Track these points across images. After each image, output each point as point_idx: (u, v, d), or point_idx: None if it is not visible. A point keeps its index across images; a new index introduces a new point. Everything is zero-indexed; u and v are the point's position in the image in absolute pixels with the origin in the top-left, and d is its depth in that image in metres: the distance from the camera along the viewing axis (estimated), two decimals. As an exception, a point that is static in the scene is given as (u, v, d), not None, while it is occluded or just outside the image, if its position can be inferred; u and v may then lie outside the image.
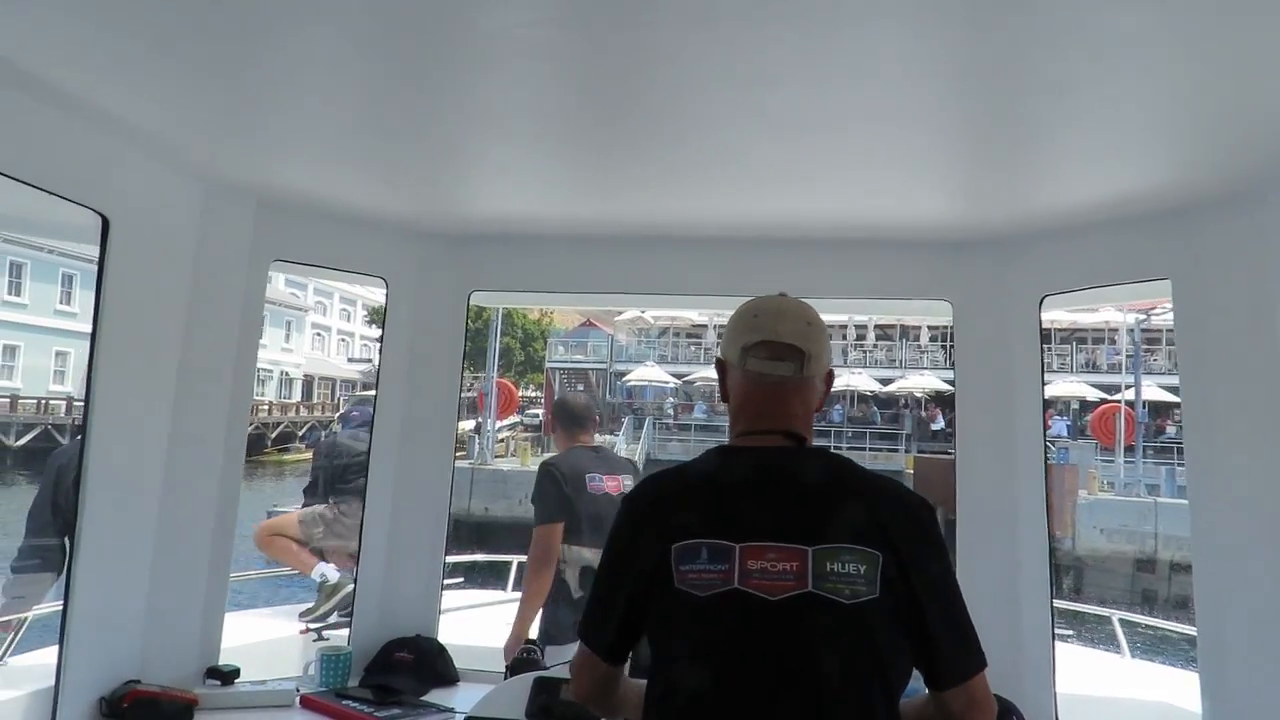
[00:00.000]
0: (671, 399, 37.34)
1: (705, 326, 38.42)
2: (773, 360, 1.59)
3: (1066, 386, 30.75)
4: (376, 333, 48.54)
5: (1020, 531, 2.80)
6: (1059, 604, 2.82)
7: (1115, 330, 33.06)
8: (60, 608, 3.17)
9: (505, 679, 2.83)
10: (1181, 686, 3.42)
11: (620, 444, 25.99)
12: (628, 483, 3.75)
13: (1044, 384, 2.91)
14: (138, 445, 2.58)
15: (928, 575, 1.46)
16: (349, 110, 2.13)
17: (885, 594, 1.41)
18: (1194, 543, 2.42)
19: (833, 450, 1.72)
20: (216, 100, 2.09)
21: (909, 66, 1.72)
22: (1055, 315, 27.02)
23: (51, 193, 2.23)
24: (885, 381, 34.74)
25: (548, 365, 39.71)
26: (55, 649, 3.21)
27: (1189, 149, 2.12)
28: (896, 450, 29.39)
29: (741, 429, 1.63)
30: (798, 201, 2.67)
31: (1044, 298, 2.83)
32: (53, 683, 2.77)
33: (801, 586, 1.40)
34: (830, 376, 1.69)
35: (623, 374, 37.66)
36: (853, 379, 33.34)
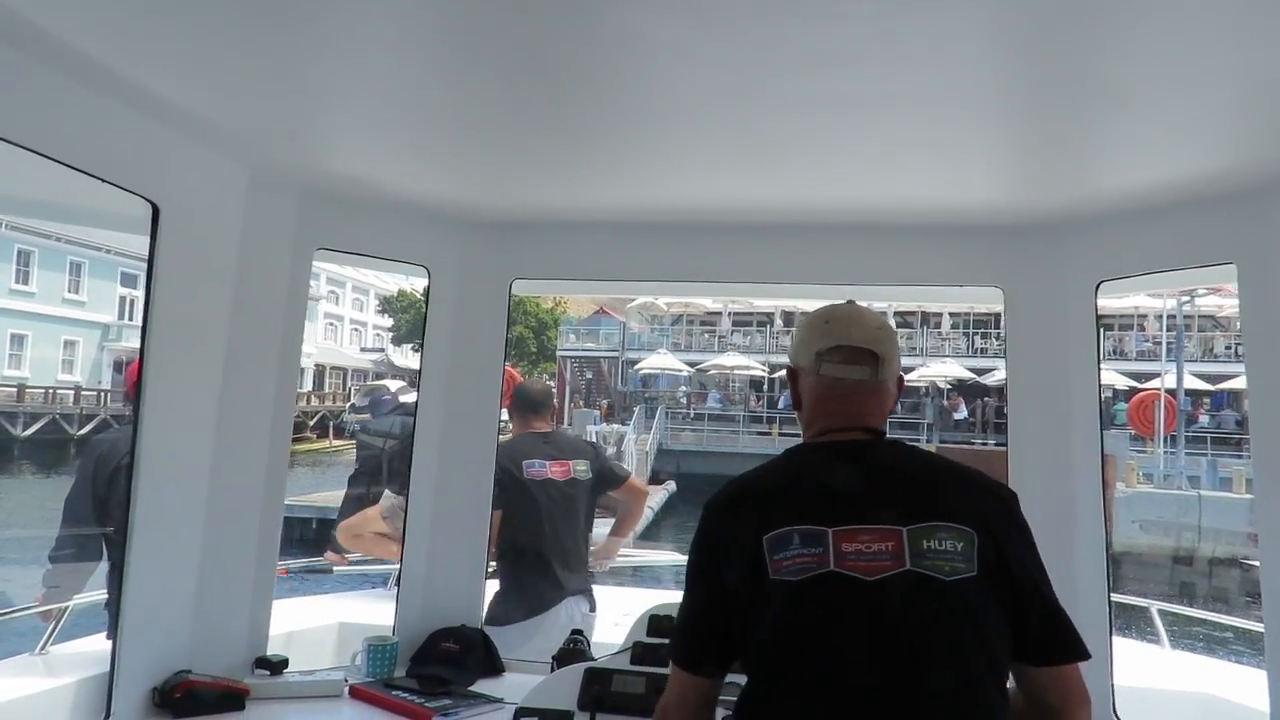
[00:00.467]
0: (684, 388, 36.97)
1: (719, 314, 38.30)
2: (847, 364, 1.65)
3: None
4: (389, 322, 48.27)
5: (1077, 523, 2.80)
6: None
7: (1144, 316, 32.54)
8: (99, 598, 3.28)
9: (552, 670, 2.88)
10: (1224, 678, 3.44)
11: (630, 435, 25.60)
12: (580, 467, 3.76)
13: (1100, 372, 2.91)
14: (187, 435, 2.62)
15: (1021, 556, 1.51)
16: (393, 96, 2.15)
17: (983, 572, 1.45)
18: (1261, 536, 2.42)
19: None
20: (261, 84, 2.11)
21: (968, 46, 1.72)
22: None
23: (104, 180, 2.25)
24: (905, 369, 34.28)
25: (558, 353, 39.69)
26: (91, 638, 3.30)
27: (1257, 130, 2.10)
28: (918, 440, 29.32)
29: (820, 429, 1.67)
30: (848, 186, 2.67)
31: (1100, 283, 2.83)
32: (98, 671, 2.83)
33: (899, 566, 1.44)
34: (901, 381, 1.73)
35: (634, 362, 37.37)
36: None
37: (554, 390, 4.12)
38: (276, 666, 2.77)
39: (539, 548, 3.61)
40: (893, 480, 1.56)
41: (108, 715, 2.40)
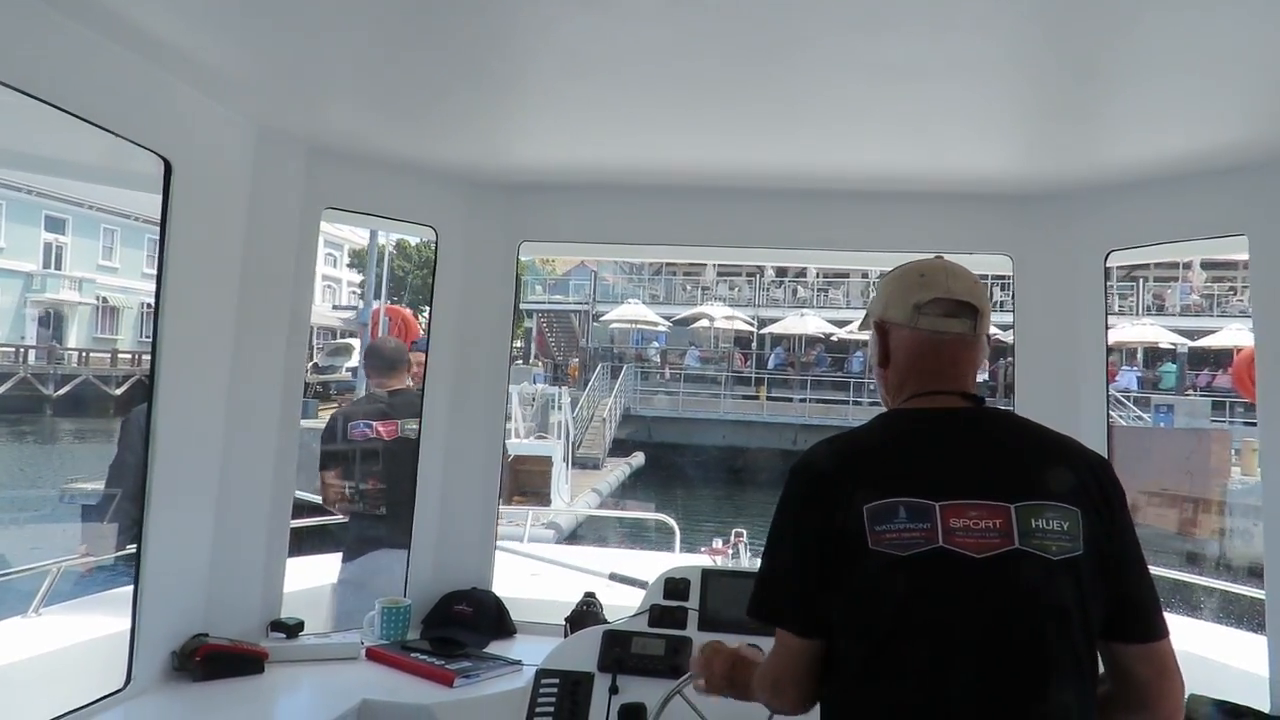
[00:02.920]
0: (657, 344, 34.74)
1: (704, 264, 37.96)
2: (948, 317, 1.71)
3: (1134, 331, 27.67)
4: (360, 278, 47.77)
5: None
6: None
7: (1188, 266, 30.79)
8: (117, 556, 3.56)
9: (565, 633, 3.18)
10: (1202, 638, 3.77)
11: (564, 397, 21.83)
12: (411, 426, 4.22)
13: (1108, 341, 3.17)
14: (201, 397, 2.81)
15: (1123, 531, 1.59)
16: (398, 54, 2.30)
17: (1088, 550, 1.53)
18: (1266, 504, 2.67)
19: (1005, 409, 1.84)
20: (269, 38, 2.25)
21: (985, 16, 1.88)
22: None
23: (118, 135, 2.39)
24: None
25: (521, 306, 38.86)
26: (80, 600, 3.58)
27: (1270, 102, 2.30)
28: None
29: (914, 390, 1.73)
30: (860, 152, 2.89)
31: (1109, 253, 3.08)
32: (100, 635, 3.09)
33: (1008, 544, 1.50)
34: (990, 341, 1.80)
35: (604, 315, 34.60)
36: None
37: (406, 348, 4.63)
38: (292, 630, 3.00)
39: (361, 501, 4.32)
40: (999, 453, 1.62)
41: (129, 679, 2.61)
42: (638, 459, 25.29)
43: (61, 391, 32.40)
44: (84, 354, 35.24)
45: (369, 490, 4.31)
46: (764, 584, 1.68)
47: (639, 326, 34.22)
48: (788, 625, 1.64)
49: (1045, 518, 1.53)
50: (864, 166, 3.02)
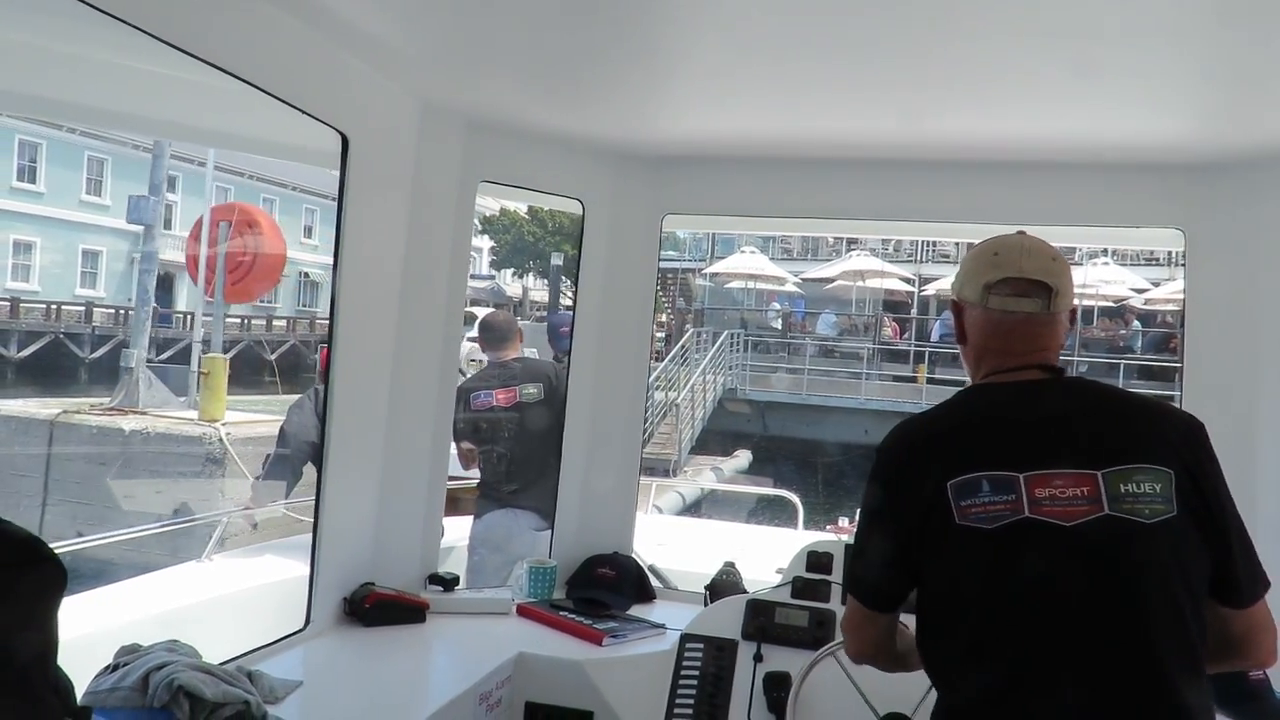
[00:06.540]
0: (777, 305, 30.36)
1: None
2: (1017, 297, 1.82)
3: None
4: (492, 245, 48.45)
5: (1257, 501, 2.92)
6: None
7: None
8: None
9: (706, 601, 3.51)
10: None
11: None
12: (529, 390, 4.87)
13: None
14: (370, 364, 3.23)
15: (1217, 490, 1.70)
16: (554, 26, 2.55)
17: (1183, 511, 1.63)
18: None
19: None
20: (435, 14, 2.55)
21: None
22: None
23: (303, 110, 2.73)
24: (1155, 283, 26.40)
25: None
26: (249, 548, 4.14)
27: None
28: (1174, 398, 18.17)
29: (991, 367, 1.86)
30: (1023, 121, 3.04)
31: None
32: (272, 581, 3.57)
33: (1097, 510, 1.62)
34: (1074, 313, 1.92)
35: (713, 271, 29.72)
36: (1091, 274, 23.18)
37: (515, 320, 5.31)
38: (449, 584, 3.44)
39: (490, 464, 4.96)
40: (1081, 421, 1.73)
41: (308, 620, 3.06)
42: (738, 460, 20.52)
43: (162, 357, 33.29)
44: (188, 317, 36.58)
45: (493, 455, 4.89)
46: (857, 566, 1.92)
47: (757, 284, 29.37)
48: (865, 602, 1.87)
49: (1135, 481, 1.64)
50: (1026, 136, 3.16)
